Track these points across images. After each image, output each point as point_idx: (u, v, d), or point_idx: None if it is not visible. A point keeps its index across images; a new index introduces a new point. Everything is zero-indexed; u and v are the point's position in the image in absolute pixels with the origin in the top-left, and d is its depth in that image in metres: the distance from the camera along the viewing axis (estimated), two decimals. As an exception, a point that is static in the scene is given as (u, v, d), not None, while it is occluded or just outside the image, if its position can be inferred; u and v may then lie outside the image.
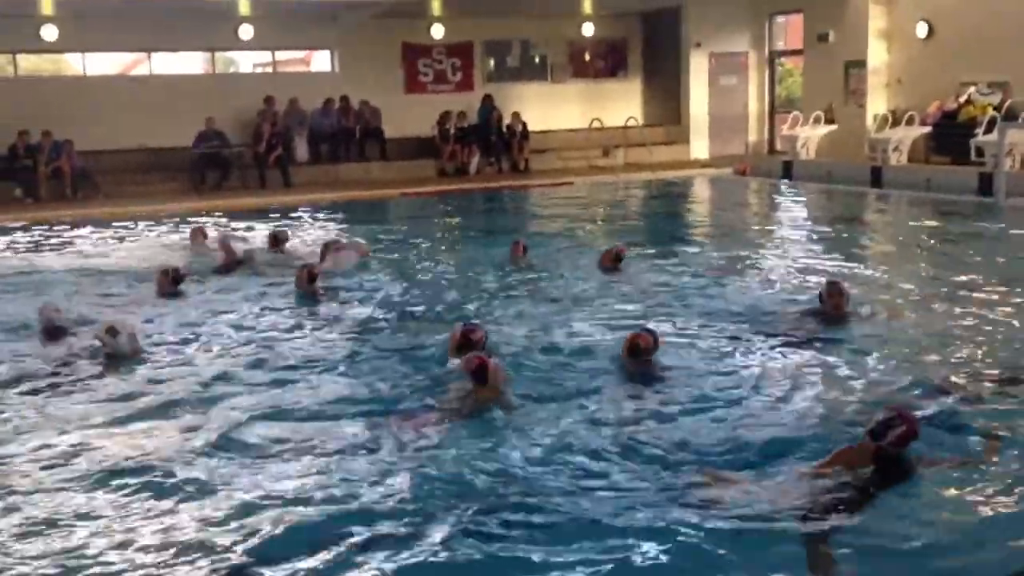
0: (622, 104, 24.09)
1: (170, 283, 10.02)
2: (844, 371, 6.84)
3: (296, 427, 6.02)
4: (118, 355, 7.55)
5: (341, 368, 7.28)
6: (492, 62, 23.78)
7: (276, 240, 12.58)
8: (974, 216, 14.34)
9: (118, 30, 19.75)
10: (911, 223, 14.76)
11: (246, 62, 23.53)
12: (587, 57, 24.35)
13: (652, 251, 11.83)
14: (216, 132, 19.91)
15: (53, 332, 8.32)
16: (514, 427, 5.88)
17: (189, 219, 15.13)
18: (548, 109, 23.16)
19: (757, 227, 14.92)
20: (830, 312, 8.03)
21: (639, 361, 6.98)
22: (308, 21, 21.11)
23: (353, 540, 4.54)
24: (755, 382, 6.68)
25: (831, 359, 7.09)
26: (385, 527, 4.66)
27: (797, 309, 8.45)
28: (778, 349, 7.39)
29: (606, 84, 24.43)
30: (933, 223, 14.19)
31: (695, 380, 6.79)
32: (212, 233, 13.40)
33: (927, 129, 18.57)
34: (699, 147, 23.49)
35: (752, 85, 23.81)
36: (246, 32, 20.42)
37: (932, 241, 12.84)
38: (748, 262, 11.10)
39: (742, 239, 13.09)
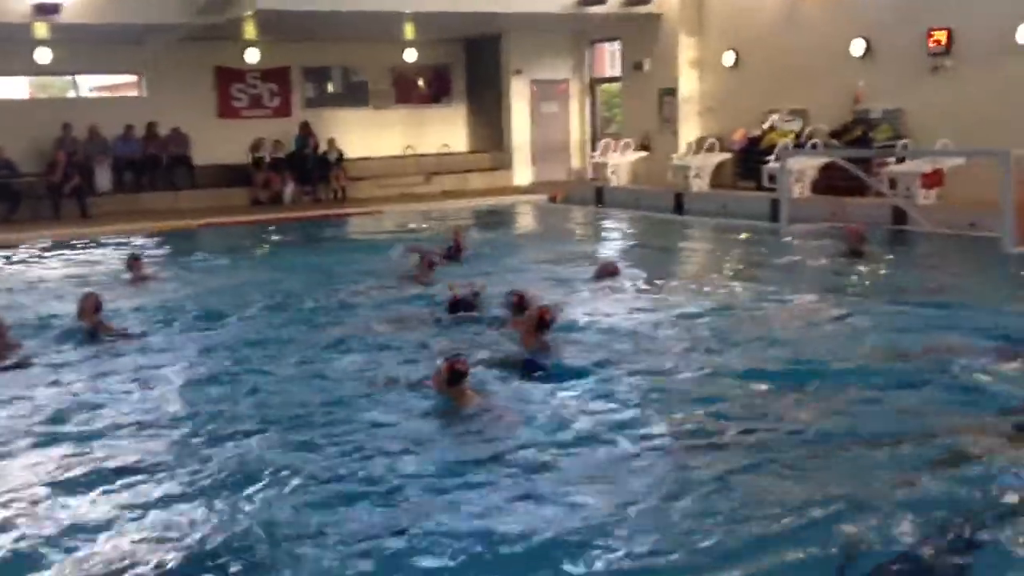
0: (446, 130, 23.91)
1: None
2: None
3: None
4: None
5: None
6: (311, 88, 23.29)
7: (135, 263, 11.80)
8: (759, 241, 14.41)
9: None
10: (694, 248, 14.86)
11: (79, 87, 22.44)
12: (412, 83, 24.05)
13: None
14: (5, 161, 18.96)
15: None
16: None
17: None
18: (370, 136, 22.80)
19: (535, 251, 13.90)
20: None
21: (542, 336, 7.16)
22: (113, 44, 20.28)
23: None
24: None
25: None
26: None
27: None
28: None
29: (430, 110, 24.17)
30: (717, 247, 14.25)
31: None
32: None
33: (727, 156, 18.84)
34: (523, 173, 23.42)
35: (574, 111, 23.90)
36: (43, 56, 19.62)
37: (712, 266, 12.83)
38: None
39: (505, 262, 12.43)
